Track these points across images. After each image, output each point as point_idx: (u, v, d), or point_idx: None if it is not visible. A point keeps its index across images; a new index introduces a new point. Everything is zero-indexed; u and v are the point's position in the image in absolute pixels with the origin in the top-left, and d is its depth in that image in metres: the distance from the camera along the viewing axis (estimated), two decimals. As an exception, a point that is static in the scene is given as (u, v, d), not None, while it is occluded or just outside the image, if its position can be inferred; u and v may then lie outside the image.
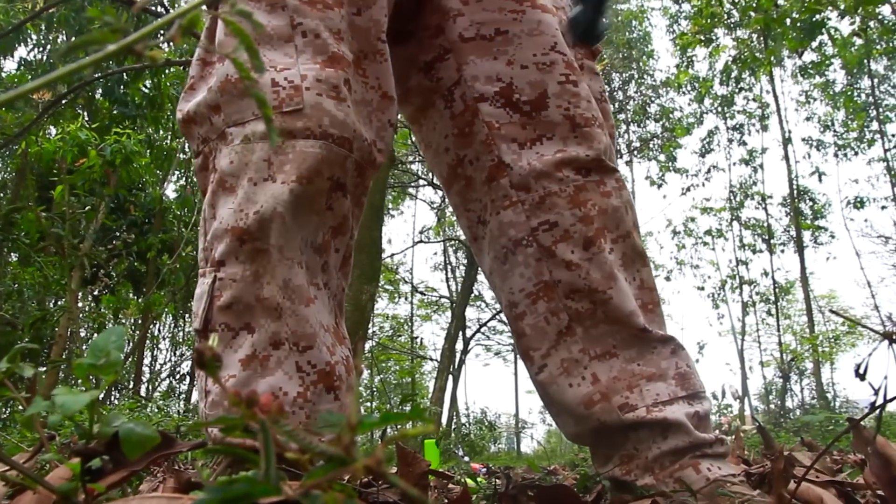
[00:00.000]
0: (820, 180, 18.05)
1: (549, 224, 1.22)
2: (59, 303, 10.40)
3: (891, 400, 0.71)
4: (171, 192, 13.86)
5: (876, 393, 0.65)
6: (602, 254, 1.21)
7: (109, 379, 0.65)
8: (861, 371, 0.64)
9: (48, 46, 11.47)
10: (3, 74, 10.77)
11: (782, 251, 20.68)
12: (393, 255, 20.43)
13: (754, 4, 8.74)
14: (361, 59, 1.18)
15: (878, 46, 15.10)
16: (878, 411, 0.67)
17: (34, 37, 11.17)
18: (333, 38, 1.12)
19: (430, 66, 1.33)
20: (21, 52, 11.11)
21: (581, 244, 1.21)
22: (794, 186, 18.92)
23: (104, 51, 0.33)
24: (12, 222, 9.29)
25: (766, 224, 20.61)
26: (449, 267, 20.97)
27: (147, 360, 15.39)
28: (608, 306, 1.20)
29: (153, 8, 6.77)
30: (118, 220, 11.09)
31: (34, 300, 10.20)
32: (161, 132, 10.96)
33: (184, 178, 13.66)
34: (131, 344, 11.60)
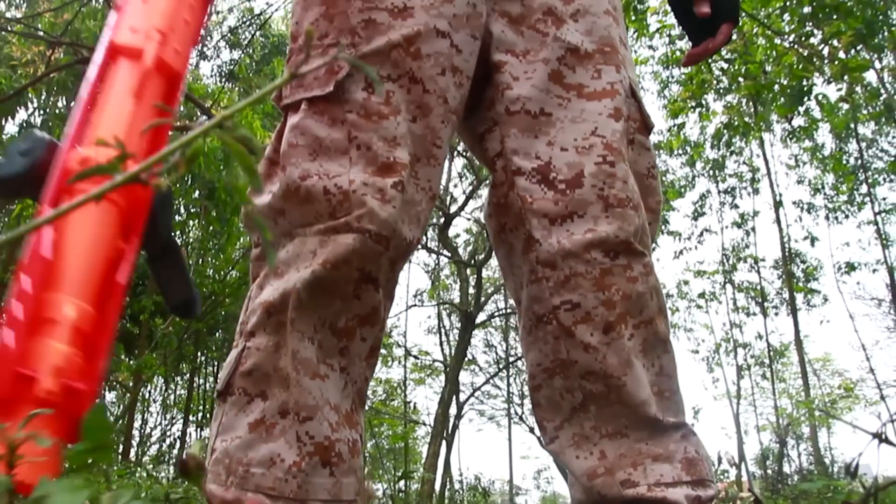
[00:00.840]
0: (812, 244, 18.07)
1: (571, 304, 1.23)
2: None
3: (884, 488, 0.71)
4: (165, 253, 13.84)
5: (868, 491, 0.66)
6: (621, 340, 1.22)
7: (107, 462, 0.65)
8: (852, 470, 0.64)
9: (48, 110, 11.62)
10: (5, 136, 10.88)
11: (776, 314, 20.63)
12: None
13: (743, 71, 8.91)
14: (415, 161, 1.22)
15: (865, 111, 15.33)
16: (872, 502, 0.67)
17: (35, 101, 11.33)
18: (386, 147, 1.17)
19: (482, 137, 1.36)
20: (22, 114, 11.27)
21: (601, 328, 1.22)
22: (787, 249, 19.01)
23: (113, 182, 0.35)
24: (5, 283, 9.28)
25: (759, 287, 20.62)
26: (443, 330, 20.82)
27: (137, 424, 15.20)
28: (621, 392, 1.21)
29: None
30: (112, 283, 11.03)
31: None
32: (157, 195, 10.99)
33: (179, 239, 13.69)
34: (122, 407, 11.47)
